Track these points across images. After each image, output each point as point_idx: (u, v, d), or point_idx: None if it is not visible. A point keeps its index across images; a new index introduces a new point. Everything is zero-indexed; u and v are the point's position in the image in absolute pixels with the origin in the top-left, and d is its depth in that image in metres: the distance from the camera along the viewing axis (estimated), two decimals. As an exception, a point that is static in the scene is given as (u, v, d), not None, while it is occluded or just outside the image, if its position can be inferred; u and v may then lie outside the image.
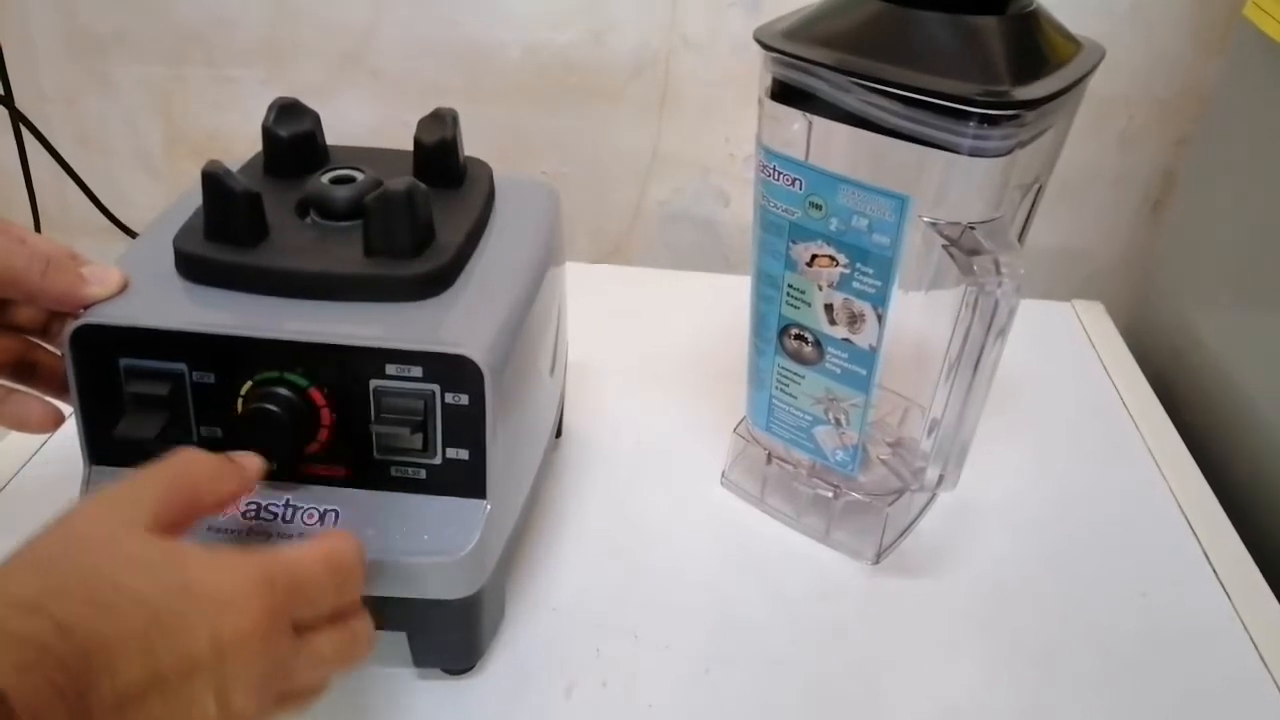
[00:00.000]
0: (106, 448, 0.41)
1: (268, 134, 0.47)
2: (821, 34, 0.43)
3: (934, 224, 0.43)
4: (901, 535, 0.56)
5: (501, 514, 0.43)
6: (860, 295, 0.46)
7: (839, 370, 0.49)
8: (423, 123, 0.48)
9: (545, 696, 0.46)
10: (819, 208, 0.45)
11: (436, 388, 0.39)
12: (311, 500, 0.41)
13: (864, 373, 0.48)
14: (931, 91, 0.40)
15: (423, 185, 0.41)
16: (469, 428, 0.40)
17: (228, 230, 0.41)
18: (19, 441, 0.57)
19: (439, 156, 0.47)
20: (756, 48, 0.44)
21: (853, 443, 0.51)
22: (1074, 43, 0.45)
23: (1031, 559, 0.55)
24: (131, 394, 0.39)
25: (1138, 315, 0.81)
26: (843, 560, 0.54)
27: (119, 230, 0.85)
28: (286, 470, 0.41)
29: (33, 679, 0.25)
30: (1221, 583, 0.54)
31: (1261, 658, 0.49)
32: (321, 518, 0.41)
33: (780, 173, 0.46)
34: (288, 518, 0.41)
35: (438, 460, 0.41)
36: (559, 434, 0.60)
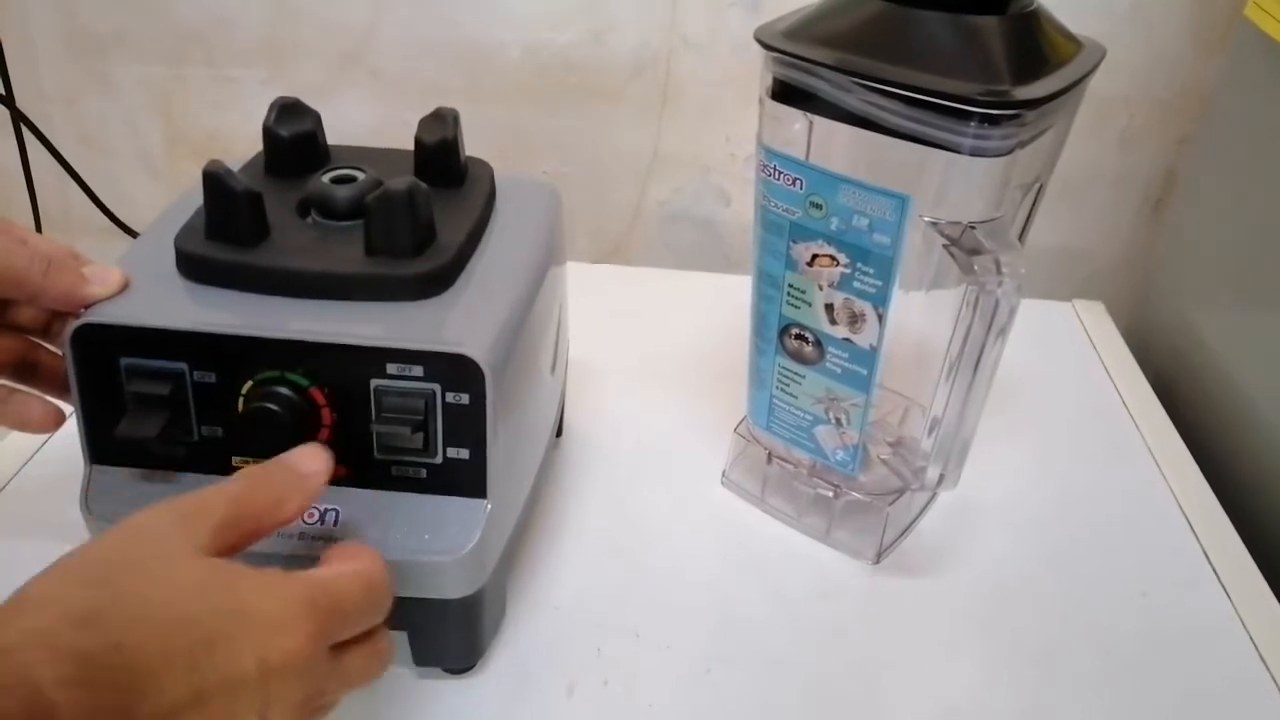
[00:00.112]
0: (107, 447, 0.41)
1: (268, 134, 0.46)
2: (822, 34, 0.43)
3: (935, 223, 0.43)
4: (902, 535, 0.56)
5: (502, 513, 0.43)
6: (861, 295, 0.46)
7: (839, 370, 0.49)
8: (423, 122, 0.48)
9: (546, 696, 0.46)
10: (819, 207, 0.45)
11: (437, 387, 0.39)
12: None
13: (864, 372, 0.48)
14: (932, 91, 0.40)
15: (424, 185, 0.41)
16: (470, 427, 0.40)
17: (229, 230, 0.41)
18: (19, 441, 0.57)
19: (440, 156, 0.47)
20: (757, 47, 0.44)
21: (853, 442, 0.51)
22: (1074, 42, 0.45)
23: (1032, 559, 0.55)
24: (132, 393, 0.39)
25: (1138, 315, 0.81)
26: (843, 560, 0.54)
27: (120, 230, 0.85)
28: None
29: (81, 694, 0.25)
30: (1221, 583, 0.54)
31: (1261, 658, 0.49)
32: (322, 517, 0.41)
33: (781, 172, 0.46)
34: (288, 517, 0.41)
35: (438, 460, 0.41)
36: (560, 433, 0.60)
